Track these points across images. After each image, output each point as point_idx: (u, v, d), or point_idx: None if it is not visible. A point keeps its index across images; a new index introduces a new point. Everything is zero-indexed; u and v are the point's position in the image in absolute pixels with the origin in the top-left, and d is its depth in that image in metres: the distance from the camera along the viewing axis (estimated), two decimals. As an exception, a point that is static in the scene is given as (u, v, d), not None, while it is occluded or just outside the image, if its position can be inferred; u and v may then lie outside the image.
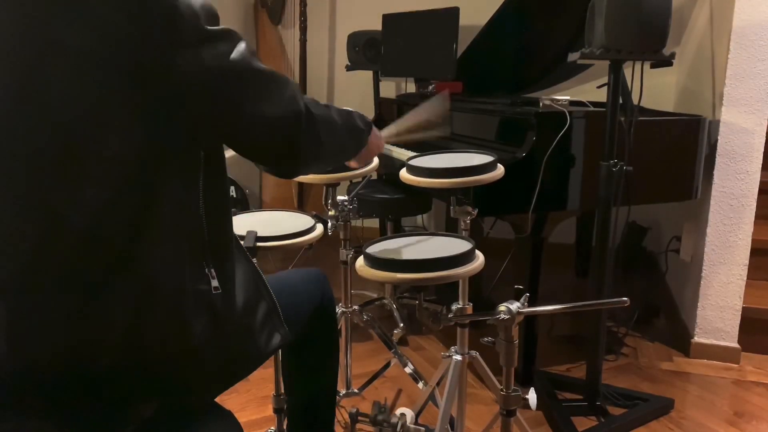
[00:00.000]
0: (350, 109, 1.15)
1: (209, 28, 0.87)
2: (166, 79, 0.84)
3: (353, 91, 3.71)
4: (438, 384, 1.67)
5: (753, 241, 2.35)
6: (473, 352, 1.58)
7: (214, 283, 0.94)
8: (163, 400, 0.94)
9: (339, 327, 1.92)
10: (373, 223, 3.34)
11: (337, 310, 1.90)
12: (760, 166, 2.29)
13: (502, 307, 1.23)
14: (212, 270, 0.94)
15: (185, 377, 0.95)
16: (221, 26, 0.90)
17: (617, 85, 1.83)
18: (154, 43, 0.82)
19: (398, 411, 1.67)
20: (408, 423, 1.64)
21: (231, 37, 0.90)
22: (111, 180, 0.84)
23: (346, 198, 1.82)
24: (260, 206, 3.80)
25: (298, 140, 0.97)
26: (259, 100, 0.92)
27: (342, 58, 3.45)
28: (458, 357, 1.56)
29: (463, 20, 2.62)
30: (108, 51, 0.81)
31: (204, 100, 0.88)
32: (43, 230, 0.85)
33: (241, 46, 0.90)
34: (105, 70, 0.82)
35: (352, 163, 1.47)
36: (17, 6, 0.82)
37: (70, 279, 0.86)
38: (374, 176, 2.71)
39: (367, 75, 3.37)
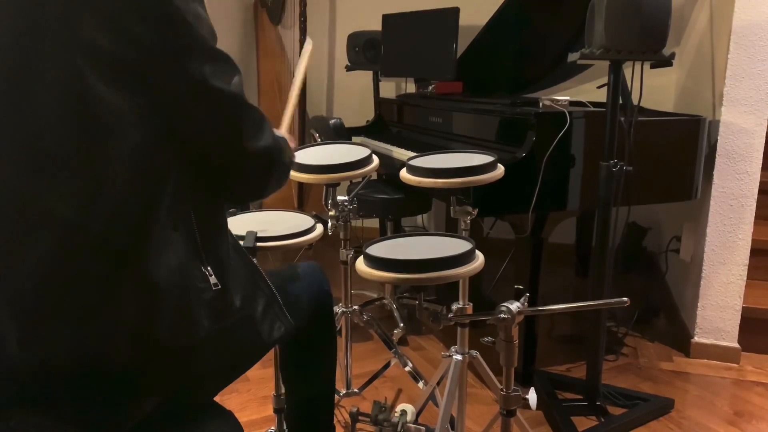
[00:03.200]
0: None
1: (216, 47, 0.92)
2: (172, 84, 0.87)
3: (353, 91, 3.71)
4: (438, 384, 1.67)
5: (753, 241, 2.35)
6: (473, 352, 1.58)
7: (213, 280, 0.97)
8: (169, 394, 0.95)
9: (339, 327, 1.92)
10: (373, 223, 3.34)
11: (337, 310, 1.91)
12: (760, 166, 2.29)
13: (502, 307, 1.23)
14: (209, 268, 0.97)
15: (193, 370, 0.97)
16: (221, 50, 0.94)
17: (617, 85, 1.83)
18: (165, 46, 0.85)
19: (399, 407, 1.68)
20: (409, 420, 1.64)
21: (232, 65, 0.95)
22: (116, 183, 0.86)
23: (346, 198, 1.83)
24: (260, 206, 3.80)
25: (272, 174, 1.06)
26: (253, 136, 0.98)
27: (342, 58, 3.44)
28: (458, 357, 1.56)
29: (463, 20, 2.63)
30: (118, 50, 0.83)
31: (201, 117, 0.92)
32: (53, 234, 0.86)
33: (239, 78, 0.95)
34: (115, 69, 0.84)
35: None
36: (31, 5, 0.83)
37: (79, 281, 0.87)
38: (374, 176, 2.71)
39: (367, 75, 3.37)
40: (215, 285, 0.97)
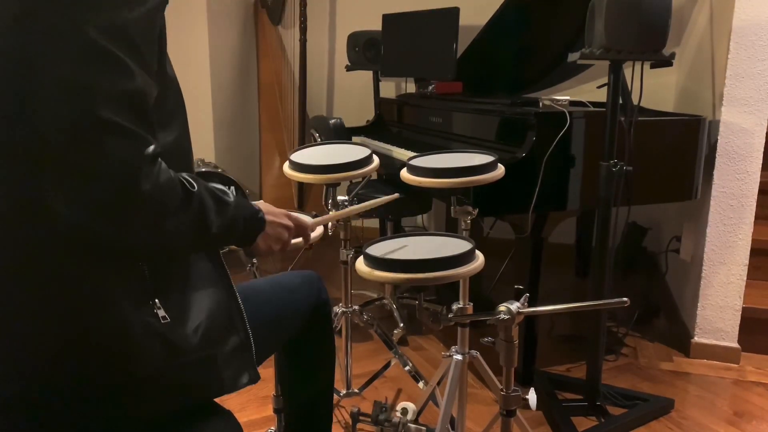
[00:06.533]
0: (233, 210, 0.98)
1: (100, 41, 0.78)
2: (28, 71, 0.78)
3: (353, 91, 3.71)
4: (438, 384, 1.67)
5: (753, 241, 2.35)
6: (474, 352, 1.58)
7: (161, 313, 0.91)
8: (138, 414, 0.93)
9: (339, 327, 1.92)
10: (373, 223, 3.35)
11: (337, 310, 1.91)
12: (760, 166, 2.29)
13: (502, 307, 1.23)
14: (156, 301, 0.91)
15: (140, 399, 0.93)
16: (122, 53, 0.80)
17: (617, 85, 1.83)
18: None
19: (400, 405, 1.67)
20: (410, 418, 1.63)
21: (121, 68, 0.80)
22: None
23: (346, 198, 1.82)
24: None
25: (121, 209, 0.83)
26: (88, 151, 0.79)
27: (342, 58, 3.44)
28: (459, 357, 1.56)
29: (463, 20, 2.62)
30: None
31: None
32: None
33: (125, 88, 0.80)
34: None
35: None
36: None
37: (18, 282, 0.86)
38: (374, 176, 2.71)
39: (367, 75, 3.37)
40: (164, 318, 0.91)
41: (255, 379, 1.05)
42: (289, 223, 1.13)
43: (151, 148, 0.82)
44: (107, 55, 0.78)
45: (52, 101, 0.77)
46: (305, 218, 1.19)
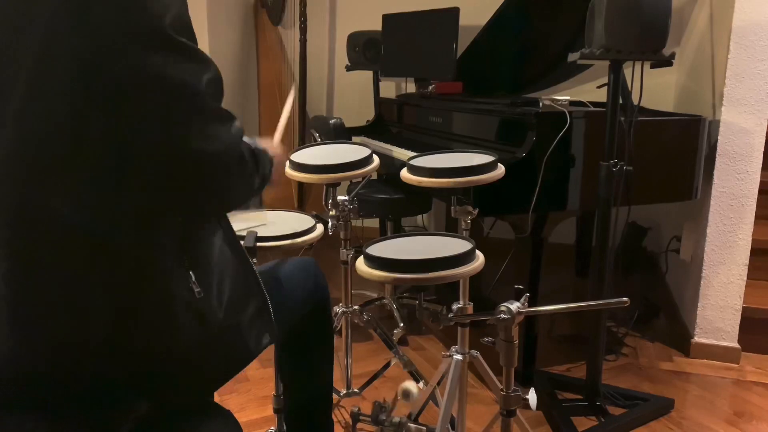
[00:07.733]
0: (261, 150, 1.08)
1: (175, 36, 0.83)
2: (109, 71, 0.80)
3: (353, 91, 3.71)
4: (438, 384, 1.67)
5: (753, 241, 2.35)
6: (474, 352, 1.58)
7: (196, 287, 0.94)
8: (155, 400, 0.94)
9: (339, 327, 1.93)
10: (373, 223, 3.34)
11: (337, 310, 1.91)
12: (760, 166, 2.29)
13: (502, 307, 1.23)
14: (191, 275, 0.93)
15: (175, 378, 0.95)
16: (192, 44, 0.87)
17: (617, 85, 1.83)
18: (104, 32, 0.80)
19: (402, 385, 1.61)
20: (412, 390, 1.58)
21: (200, 59, 0.87)
22: (93, 178, 0.84)
23: (346, 198, 1.82)
24: (260, 206, 3.79)
25: (228, 186, 0.97)
26: (205, 138, 0.88)
27: (342, 58, 3.44)
28: (459, 357, 1.56)
29: (463, 20, 2.62)
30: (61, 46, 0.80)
31: (139, 112, 0.82)
32: (31, 227, 0.85)
33: (197, 69, 0.86)
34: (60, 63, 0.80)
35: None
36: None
37: (52, 278, 0.87)
38: (374, 176, 2.71)
39: (367, 75, 3.37)
40: (198, 293, 0.94)
41: (275, 336, 1.10)
42: (279, 155, 1.21)
43: (238, 123, 0.93)
44: (186, 49, 0.85)
45: (150, 98, 0.82)
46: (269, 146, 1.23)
